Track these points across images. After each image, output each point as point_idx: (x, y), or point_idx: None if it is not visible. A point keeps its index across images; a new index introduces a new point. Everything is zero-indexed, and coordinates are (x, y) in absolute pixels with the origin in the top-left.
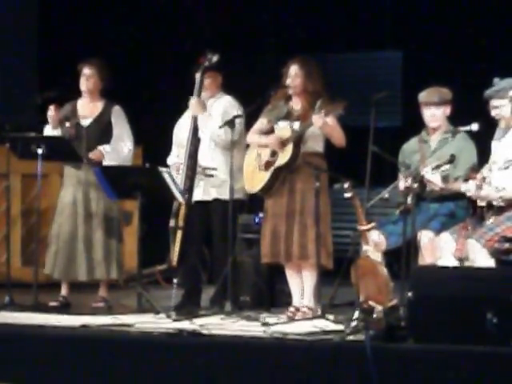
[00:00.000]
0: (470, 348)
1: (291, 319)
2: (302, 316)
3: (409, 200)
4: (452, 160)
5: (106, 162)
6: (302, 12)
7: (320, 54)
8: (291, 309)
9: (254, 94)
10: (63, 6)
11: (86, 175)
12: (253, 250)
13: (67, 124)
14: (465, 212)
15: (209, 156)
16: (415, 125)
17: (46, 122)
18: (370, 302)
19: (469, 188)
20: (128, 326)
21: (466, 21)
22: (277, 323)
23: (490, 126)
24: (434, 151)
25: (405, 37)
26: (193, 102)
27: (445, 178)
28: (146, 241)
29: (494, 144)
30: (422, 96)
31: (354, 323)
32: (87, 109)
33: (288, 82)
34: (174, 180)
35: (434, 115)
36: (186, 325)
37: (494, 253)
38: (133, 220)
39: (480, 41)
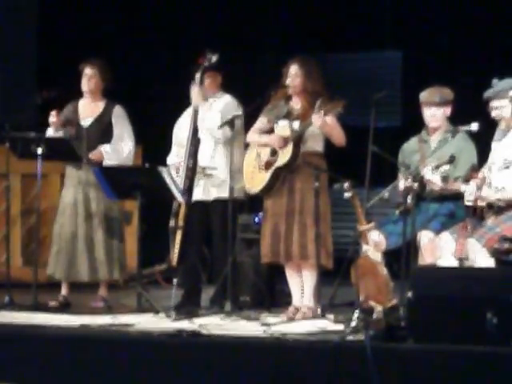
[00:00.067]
0: (469, 348)
1: (291, 319)
2: (302, 316)
3: (409, 200)
4: (452, 160)
5: (106, 162)
6: (302, 12)
7: (320, 54)
8: (291, 309)
9: (254, 93)
10: (63, 6)
11: (86, 175)
12: (252, 250)
13: (69, 127)
14: (465, 212)
15: (209, 156)
16: (415, 125)
17: (46, 122)
18: (370, 302)
19: (467, 191)
20: (128, 325)
21: (465, 21)
22: (277, 323)
23: (490, 127)
24: (433, 151)
25: (405, 37)
26: (195, 90)
27: (445, 178)
28: (145, 241)
29: (494, 145)
30: (423, 96)
31: (353, 323)
32: (88, 109)
33: (288, 81)
34: (173, 180)
35: (435, 115)
36: (185, 325)
37: (494, 253)
38: (133, 220)
39: (480, 41)
